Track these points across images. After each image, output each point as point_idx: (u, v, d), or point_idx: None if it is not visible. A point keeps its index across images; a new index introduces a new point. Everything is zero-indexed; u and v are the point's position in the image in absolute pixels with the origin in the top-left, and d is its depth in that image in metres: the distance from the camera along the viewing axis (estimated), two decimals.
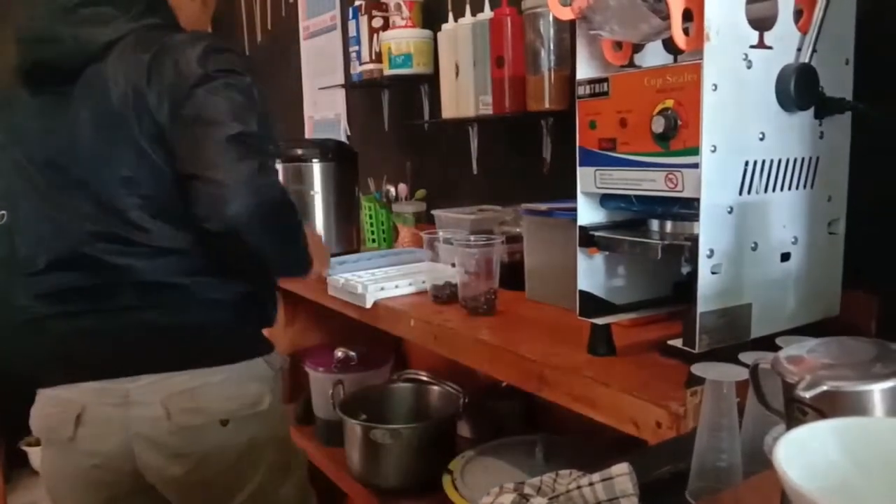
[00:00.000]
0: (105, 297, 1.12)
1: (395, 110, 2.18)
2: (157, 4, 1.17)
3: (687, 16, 0.79)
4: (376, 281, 1.43)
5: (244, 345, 1.21)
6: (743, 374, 0.63)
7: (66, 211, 1.11)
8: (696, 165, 0.79)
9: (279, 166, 1.61)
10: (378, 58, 1.98)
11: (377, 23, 1.99)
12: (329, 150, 1.80)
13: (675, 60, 0.92)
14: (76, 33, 1.08)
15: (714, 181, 0.80)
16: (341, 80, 2.43)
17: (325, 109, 2.65)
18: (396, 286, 1.41)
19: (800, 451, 0.39)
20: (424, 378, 1.72)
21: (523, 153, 1.69)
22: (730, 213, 0.82)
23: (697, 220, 0.80)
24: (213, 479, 1.16)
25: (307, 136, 2.77)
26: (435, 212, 1.65)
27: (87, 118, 1.09)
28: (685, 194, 0.82)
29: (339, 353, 1.80)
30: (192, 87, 1.05)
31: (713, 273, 0.82)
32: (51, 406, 1.16)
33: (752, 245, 0.85)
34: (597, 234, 0.94)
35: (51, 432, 1.16)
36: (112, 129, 1.08)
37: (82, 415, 1.12)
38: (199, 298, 1.13)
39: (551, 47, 1.43)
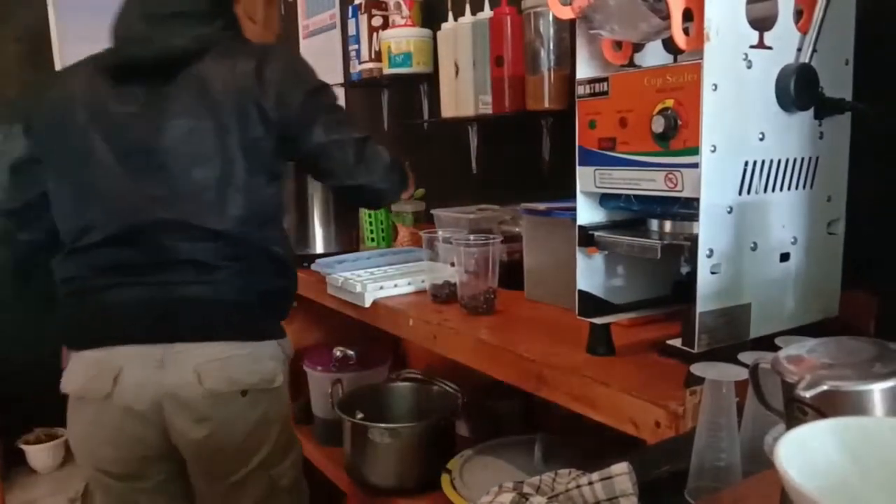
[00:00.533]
0: (156, 272, 1.23)
1: (395, 109, 2.18)
2: (233, 22, 1.33)
3: (687, 15, 0.79)
4: (375, 280, 1.43)
5: (267, 327, 1.34)
6: (742, 373, 0.63)
7: (138, 192, 1.23)
8: (695, 165, 0.79)
9: None
10: (377, 57, 1.98)
11: (377, 21, 1.99)
12: None
13: (675, 60, 0.92)
14: (165, 37, 1.23)
15: (714, 181, 0.80)
16: (340, 79, 2.43)
17: None
18: (395, 285, 1.41)
19: (800, 451, 0.39)
20: (423, 377, 1.72)
21: (523, 153, 1.69)
22: (729, 212, 0.82)
23: (697, 220, 0.80)
24: (227, 446, 1.27)
25: None
26: (434, 211, 1.65)
27: (180, 112, 1.22)
28: (685, 194, 0.82)
29: (337, 353, 1.80)
30: (309, 93, 1.28)
31: (712, 273, 0.82)
32: (89, 366, 1.25)
33: (752, 245, 0.85)
34: (596, 233, 0.94)
35: (88, 390, 1.24)
36: (202, 120, 1.22)
37: (120, 375, 1.21)
38: (239, 281, 1.26)
39: (551, 47, 1.43)
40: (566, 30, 1.41)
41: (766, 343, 0.77)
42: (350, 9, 2.08)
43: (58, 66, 3.08)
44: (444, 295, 1.32)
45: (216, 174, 1.23)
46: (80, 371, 1.26)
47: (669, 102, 0.81)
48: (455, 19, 1.67)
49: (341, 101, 2.51)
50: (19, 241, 1.37)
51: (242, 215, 1.25)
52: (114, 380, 1.21)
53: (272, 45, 1.37)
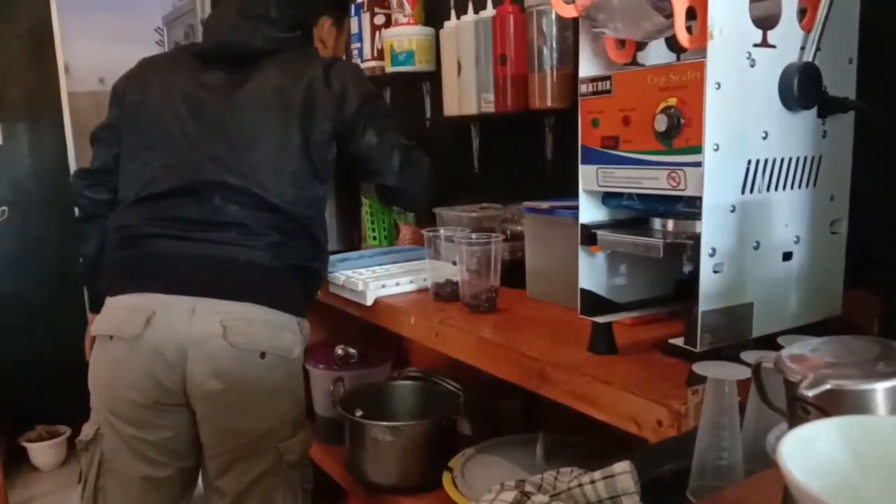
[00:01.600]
0: (205, 229, 1.34)
1: (397, 108, 2.18)
2: (309, 38, 1.53)
3: (690, 14, 0.78)
4: (377, 278, 1.43)
5: (294, 301, 1.41)
6: (744, 372, 0.63)
7: (202, 154, 1.35)
8: (698, 164, 0.79)
9: None
10: (380, 55, 1.98)
11: (379, 20, 1.99)
12: None
13: (679, 59, 0.92)
14: (253, 32, 1.40)
15: (716, 180, 0.80)
16: None
17: None
18: (397, 284, 1.41)
19: (803, 450, 0.39)
20: (425, 376, 1.72)
21: (525, 151, 1.69)
22: (732, 211, 0.82)
23: (699, 219, 0.80)
24: (239, 404, 1.32)
25: None
26: (436, 210, 1.65)
27: (252, 96, 1.37)
28: (687, 193, 0.82)
29: (339, 351, 1.80)
30: (366, 98, 1.40)
31: (715, 272, 0.82)
32: (124, 308, 1.33)
33: (755, 244, 0.85)
34: (598, 232, 0.94)
35: (120, 330, 1.31)
36: (272, 106, 1.36)
37: (152, 318, 1.29)
38: (278, 251, 1.35)
39: (554, 45, 1.43)
40: (569, 28, 1.41)
41: (769, 342, 0.77)
42: (352, 7, 2.08)
43: (60, 64, 3.09)
44: (445, 293, 1.32)
45: (274, 156, 1.35)
46: (115, 313, 1.34)
47: (672, 101, 0.81)
48: (458, 17, 1.67)
49: None
50: (87, 198, 1.48)
51: (292, 196, 1.36)
52: (146, 321, 1.28)
53: (339, 57, 1.57)
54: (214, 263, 1.33)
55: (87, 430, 1.38)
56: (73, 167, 3.08)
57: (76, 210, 1.51)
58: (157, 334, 1.28)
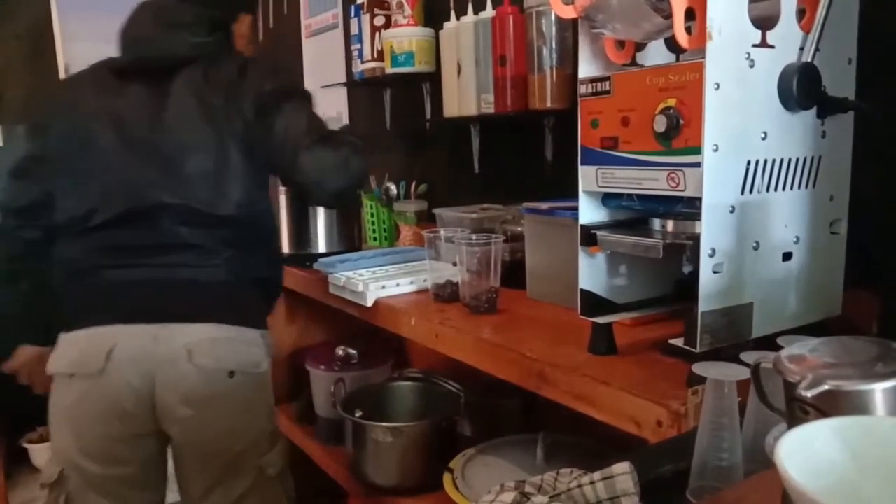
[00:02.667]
0: (155, 254, 1.31)
1: (397, 109, 2.18)
2: (229, 35, 1.47)
3: (689, 15, 0.78)
4: (377, 279, 1.43)
5: (255, 315, 1.42)
6: (744, 373, 0.63)
7: (140, 177, 1.31)
8: (698, 164, 0.79)
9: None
10: (380, 56, 1.98)
11: (379, 21, 1.99)
12: None
13: (678, 59, 0.92)
14: (170, 41, 1.36)
15: (716, 180, 0.80)
16: (343, 79, 2.44)
17: (326, 108, 2.64)
18: (397, 284, 1.41)
19: (801, 450, 0.39)
20: (425, 376, 1.72)
21: (525, 152, 1.69)
22: (731, 212, 0.82)
23: (699, 220, 0.80)
24: (213, 427, 1.32)
25: None
26: (436, 210, 1.65)
27: (178, 107, 1.33)
28: (687, 193, 0.82)
29: (339, 352, 1.80)
30: (275, 97, 1.35)
31: (715, 272, 0.82)
32: (81, 343, 1.30)
33: (754, 244, 0.85)
34: (598, 232, 0.94)
35: (80, 367, 1.28)
36: (199, 117, 1.33)
37: (113, 350, 1.26)
38: (236, 267, 1.35)
39: (553, 46, 1.43)
40: (568, 29, 1.41)
41: (768, 342, 0.77)
42: (352, 8, 2.08)
43: (61, 65, 3.09)
44: (446, 294, 1.33)
45: (212, 167, 1.32)
46: (71, 349, 1.30)
47: (672, 101, 0.81)
48: (457, 18, 1.67)
49: (337, 101, 2.52)
50: (18, 238, 1.42)
51: (238, 204, 1.34)
52: (107, 355, 1.26)
53: (256, 56, 1.51)
54: (171, 288, 1.31)
55: (50, 472, 1.34)
56: None
57: (6, 251, 1.44)
58: (120, 366, 1.26)
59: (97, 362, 1.26)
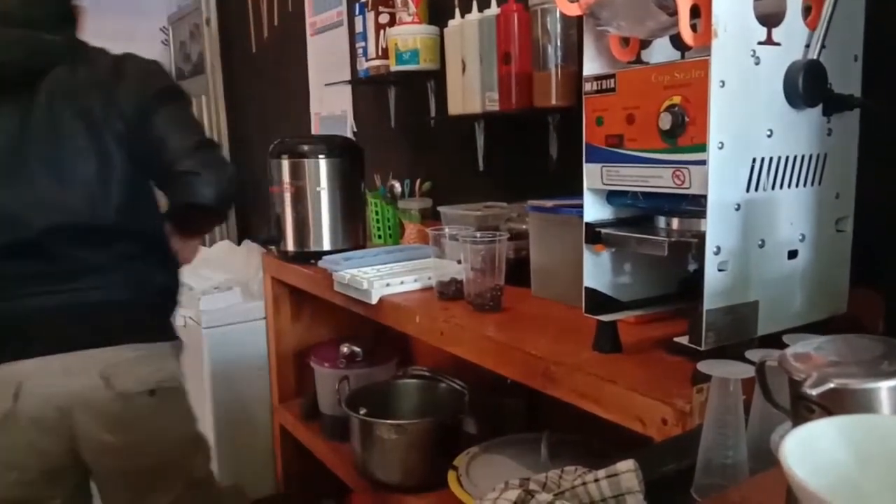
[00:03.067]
0: (52, 281, 1.25)
1: (402, 107, 2.18)
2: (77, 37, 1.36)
3: (695, 12, 0.78)
4: (382, 277, 1.43)
5: (164, 328, 1.40)
6: (749, 371, 0.63)
7: (18, 202, 1.24)
8: (703, 162, 0.79)
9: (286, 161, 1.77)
10: (384, 54, 1.98)
11: (384, 19, 1.99)
12: (335, 147, 1.80)
13: (683, 57, 0.92)
14: (23, 41, 1.24)
15: (721, 178, 0.80)
16: (348, 77, 2.43)
17: (331, 106, 2.65)
18: (402, 282, 1.41)
19: (806, 449, 0.39)
20: (430, 374, 1.72)
21: (530, 150, 1.69)
22: (737, 210, 0.82)
23: (704, 217, 0.80)
24: (140, 449, 1.30)
25: (313, 132, 2.77)
26: (441, 208, 1.65)
27: (48, 118, 1.24)
28: (692, 191, 0.82)
29: (344, 349, 1.80)
30: (157, 97, 1.30)
31: (720, 270, 0.81)
32: None
33: (759, 242, 0.85)
34: (603, 230, 0.94)
35: None
36: (72, 125, 1.25)
37: (20, 389, 1.21)
38: (136, 282, 1.32)
39: (558, 43, 1.43)
40: (573, 26, 1.41)
41: (774, 341, 0.77)
42: (357, 6, 2.08)
43: None
44: (450, 292, 1.33)
45: (95, 169, 1.26)
46: None
47: (677, 99, 0.81)
48: (462, 16, 1.67)
49: (341, 99, 2.52)
50: None
51: (127, 204, 1.29)
52: (14, 395, 1.21)
53: (130, 53, 1.39)
54: (75, 314, 1.25)
55: None
56: None
57: None
58: (30, 403, 1.21)
59: (4, 403, 1.21)
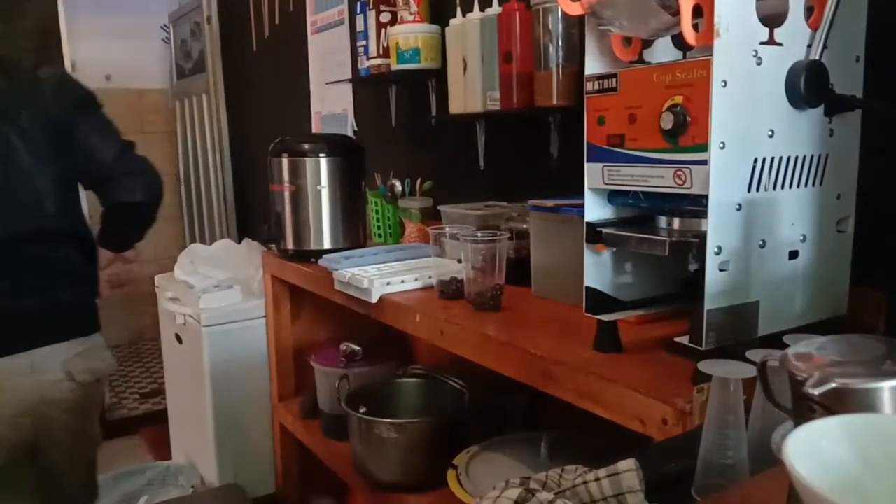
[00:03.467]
0: (11, 282, 1.38)
1: (403, 105, 2.18)
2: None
3: (697, 12, 0.78)
4: (382, 276, 1.43)
5: (96, 319, 1.56)
6: (750, 371, 0.63)
7: None
8: (704, 162, 0.79)
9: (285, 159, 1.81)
10: (386, 53, 1.98)
11: (385, 17, 1.99)
12: (336, 145, 1.80)
13: (685, 56, 0.92)
14: None
15: (722, 178, 0.80)
16: (349, 75, 2.43)
17: (332, 104, 2.65)
18: (402, 281, 1.41)
19: (809, 448, 0.39)
20: (429, 373, 1.72)
21: (531, 149, 1.69)
22: (738, 210, 0.82)
23: (705, 217, 0.80)
24: (88, 427, 1.53)
25: (314, 130, 2.77)
26: (441, 207, 1.65)
27: None
28: (693, 191, 0.82)
29: (344, 348, 1.80)
30: (77, 105, 1.44)
31: (721, 270, 0.81)
32: None
33: (761, 242, 0.85)
34: (604, 230, 0.94)
35: None
36: (7, 137, 1.36)
37: None
38: (78, 277, 1.47)
39: (560, 43, 1.43)
40: (575, 26, 1.41)
41: (774, 341, 0.77)
42: (358, 5, 2.08)
43: (67, 62, 3.09)
44: (451, 291, 1.32)
45: (30, 177, 1.38)
46: None
47: (679, 99, 0.81)
48: (463, 15, 1.67)
49: (342, 98, 2.52)
50: None
51: (64, 208, 1.42)
52: None
53: (39, 62, 1.63)
54: (36, 311, 1.39)
55: None
56: None
57: None
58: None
59: None
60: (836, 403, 0.47)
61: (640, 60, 0.93)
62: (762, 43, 0.81)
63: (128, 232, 1.65)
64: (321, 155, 1.76)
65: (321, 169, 1.76)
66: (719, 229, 0.81)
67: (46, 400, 1.40)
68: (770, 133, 0.83)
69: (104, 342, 1.55)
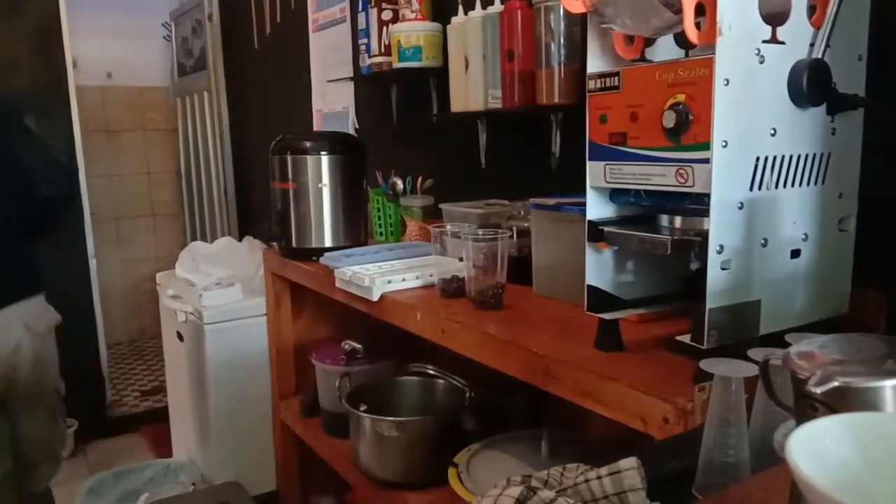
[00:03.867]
0: None
1: (404, 103, 2.18)
2: None
3: (699, 10, 0.78)
4: (383, 274, 1.43)
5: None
6: (752, 370, 0.63)
7: None
8: (706, 160, 0.79)
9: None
10: (387, 51, 1.98)
11: (387, 15, 1.99)
12: (337, 143, 1.80)
13: (687, 55, 0.91)
14: None
15: (725, 176, 0.79)
16: (350, 73, 2.43)
17: (333, 102, 2.65)
18: (403, 279, 1.41)
19: (811, 446, 0.39)
20: (431, 371, 1.72)
21: (532, 147, 1.69)
22: (740, 208, 0.82)
23: (707, 216, 0.80)
24: (48, 370, 1.92)
25: (315, 128, 2.77)
26: (443, 205, 1.64)
27: None
28: (695, 189, 0.82)
29: (345, 346, 1.80)
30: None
31: (722, 269, 0.81)
32: None
33: (762, 241, 0.85)
34: (606, 228, 0.94)
35: None
36: None
37: None
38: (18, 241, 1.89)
39: (562, 41, 1.42)
40: (577, 24, 1.41)
41: (776, 340, 0.77)
42: (360, 2, 2.08)
43: (69, 59, 3.10)
44: (452, 289, 1.32)
45: None
46: None
47: (681, 97, 0.81)
48: (465, 13, 1.67)
49: (343, 95, 2.52)
50: None
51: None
52: None
53: None
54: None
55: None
56: (81, 159, 3.11)
57: None
58: None
59: None
60: (838, 402, 0.47)
61: (643, 59, 0.93)
62: (765, 41, 0.81)
63: None
64: (322, 153, 1.75)
65: (322, 167, 1.76)
66: (721, 228, 0.80)
67: (14, 351, 1.76)
68: (772, 132, 0.83)
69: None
